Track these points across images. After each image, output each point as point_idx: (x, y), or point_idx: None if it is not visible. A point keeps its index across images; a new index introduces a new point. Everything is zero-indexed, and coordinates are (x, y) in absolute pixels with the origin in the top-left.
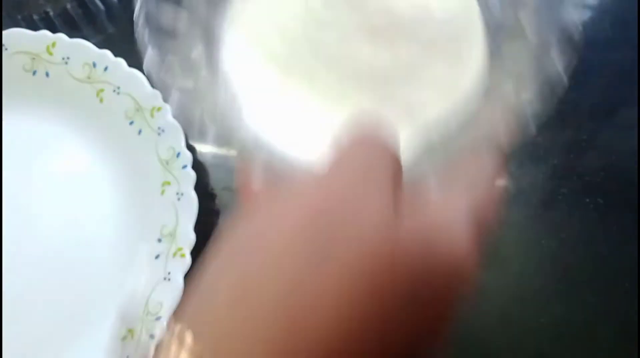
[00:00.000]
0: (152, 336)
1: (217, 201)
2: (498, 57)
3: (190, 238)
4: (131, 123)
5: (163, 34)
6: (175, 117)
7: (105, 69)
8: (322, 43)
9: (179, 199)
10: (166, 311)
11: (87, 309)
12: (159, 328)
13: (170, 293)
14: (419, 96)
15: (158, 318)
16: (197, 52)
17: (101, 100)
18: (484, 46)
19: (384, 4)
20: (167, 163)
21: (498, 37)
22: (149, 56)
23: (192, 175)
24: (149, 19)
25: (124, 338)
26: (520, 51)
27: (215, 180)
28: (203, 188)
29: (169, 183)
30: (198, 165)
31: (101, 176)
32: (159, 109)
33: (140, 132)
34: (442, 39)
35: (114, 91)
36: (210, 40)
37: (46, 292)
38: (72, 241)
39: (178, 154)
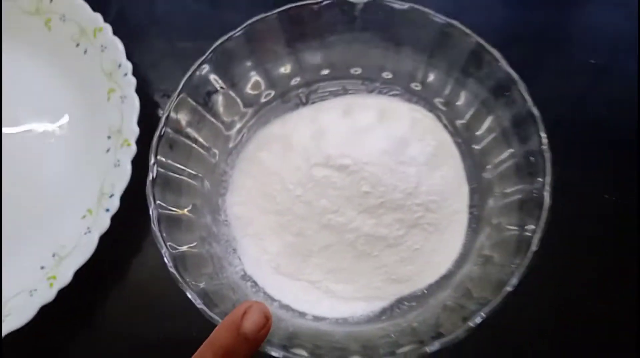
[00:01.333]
0: (107, 210)
1: (159, 105)
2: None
3: (135, 130)
4: (77, 45)
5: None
6: None
7: (51, 0)
8: (318, 207)
9: (122, 101)
10: (117, 190)
11: (55, 195)
12: (112, 204)
13: (120, 175)
14: (402, 268)
15: (111, 196)
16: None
17: (49, 28)
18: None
19: (377, 183)
20: (111, 74)
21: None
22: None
23: (132, 81)
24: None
25: (83, 217)
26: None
27: (157, 89)
28: (144, 95)
29: (113, 90)
30: (140, 77)
31: (55, 92)
32: (100, 29)
33: (85, 51)
34: (428, 216)
35: (60, 19)
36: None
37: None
38: (36, 145)
39: (119, 65)
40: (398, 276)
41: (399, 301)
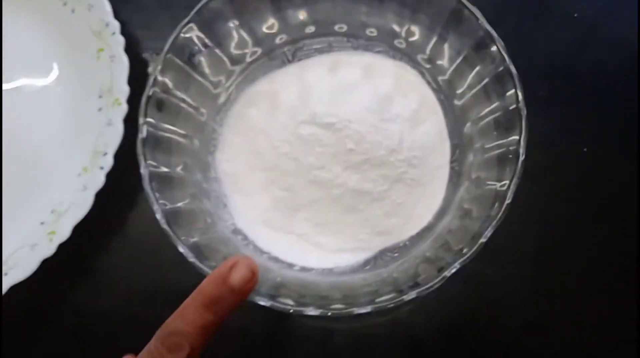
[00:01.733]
0: (101, 168)
1: (148, 63)
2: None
3: (125, 89)
4: (65, 4)
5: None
6: None
7: None
8: (305, 164)
9: (112, 60)
10: (110, 149)
11: (50, 153)
12: (106, 162)
13: (113, 134)
14: (385, 221)
15: (105, 154)
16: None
17: None
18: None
19: (362, 140)
20: (100, 33)
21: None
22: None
23: (121, 40)
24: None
25: (79, 175)
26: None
27: (146, 47)
28: (134, 53)
29: (102, 49)
30: (129, 35)
31: (45, 51)
32: None
33: (73, 11)
34: (410, 172)
35: None
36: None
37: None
38: (29, 104)
39: (107, 24)
40: (382, 229)
41: (382, 253)
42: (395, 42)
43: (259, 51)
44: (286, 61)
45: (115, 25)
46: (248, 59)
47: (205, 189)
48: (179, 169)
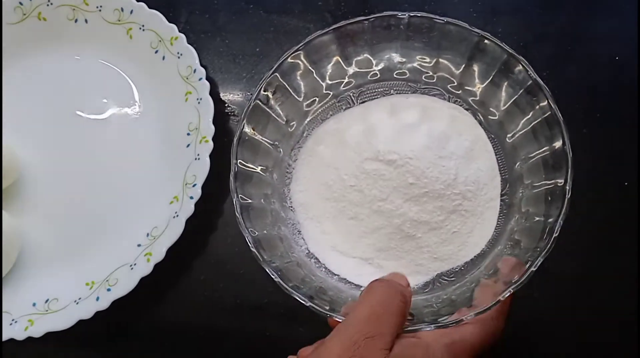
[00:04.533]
0: (191, 197)
1: (226, 103)
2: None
3: (211, 128)
4: (156, 52)
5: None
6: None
7: (131, 12)
8: (369, 196)
9: (199, 102)
10: (199, 181)
11: (145, 184)
12: (195, 192)
13: (200, 168)
14: (442, 248)
15: (194, 185)
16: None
17: (130, 37)
18: (498, 204)
19: (422, 176)
20: (187, 78)
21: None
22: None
23: (207, 84)
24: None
25: (171, 203)
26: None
27: (224, 89)
28: (215, 95)
29: (190, 92)
30: (210, 80)
31: (139, 94)
32: (176, 38)
33: (164, 58)
34: (465, 204)
35: (140, 28)
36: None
37: (116, 180)
38: (126, 139)
39: (195, 71)
40: (439, 255)
41: (439, 277)
42: (450, 86)
43: (330, 94)
44: (351, 102)
45: (202, 71)
46: (319, 102)
47: (282, 218)
48: (261, 200)
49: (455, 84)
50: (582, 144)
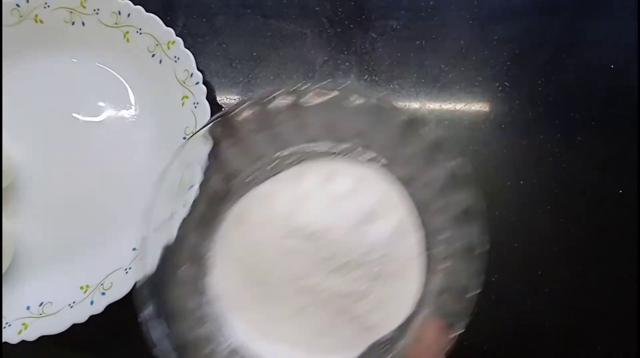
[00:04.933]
0: (184, 205)
1: (223, 107)
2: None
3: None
4: (153, 55)
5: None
6: None
7: (129, 15)
8: (291, 274)
9: (195, 107)
10: (196, 183)
11: (141, 186)
12: (191, 194)
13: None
14: (371, 317)
15: (190, 187)
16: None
17: (128, 40)
18: (420, 261)
19: (340, 246)
20: (184, 82)
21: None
22: None
23: (203, 89)
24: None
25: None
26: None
27: (220, 93)
28: (212, 99)
29: (187, 97)
30: (207, 84)
31: (136, 97)
32: (173, 42)
33: (161, 61)
34: (387, 268)
35: (137, 32)
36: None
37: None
38: (123, 142)
39: (191, 75)
40: (369, 325)
41: (373, 347)
42: (361, 147)
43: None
44: (259, 181)
45: (199, 76)
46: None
47: (200, 316)
48: (177, 302)
49: (366, 144)
50: (577, 152)
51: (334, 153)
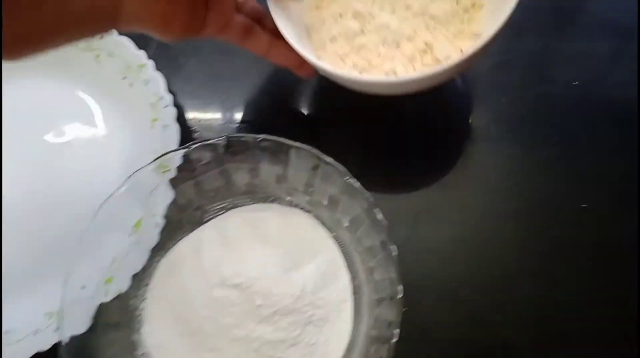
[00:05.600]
0: (155, 225)
1: (195, 129)
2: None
3: (175, 158)
4: (124, 78)
5: None
6: None
7: (101, 37)
8: (223, 324)
9: (164, 130)
10: (160, 210)
11: (110, 215)
12: (158, 220)
13: (162, 195)
14: None
15: (154, 216)
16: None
17: (99, 63)
18: (350, 304)
19: (269, 294)
20: (154, 105)
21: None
22: None
23: (172, 112)
24: None
25: (134, 230)
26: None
27: (193, 114)
28: (183, 121)
29: (156, 119)
30: (180, 105)
31: (106, 120)
32: (143, 65)
33: (131, 85)
34: (317, 313)
35: (109, 55)
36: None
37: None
38: (92, 164)
39: (161, 98)
40: None
41: None
42: (285, 191)
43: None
44: (188, 230)
45: (169, 99)
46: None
47: None
48: None
49: (288, 188)
50: (542, 167)
51: (260, 198)
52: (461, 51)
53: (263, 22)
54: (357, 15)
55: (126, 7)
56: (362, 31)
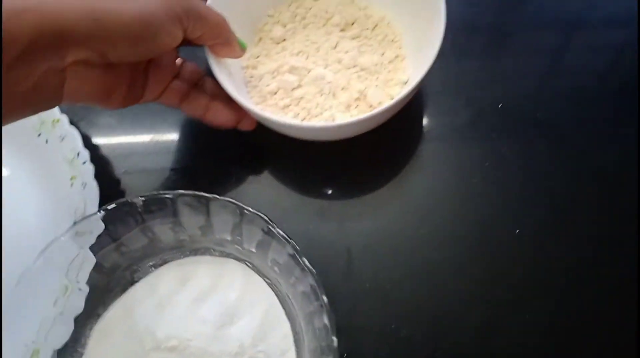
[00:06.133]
0: (80, 289)
1: (119, 181)
2: None
3: (93, 222)
4: (39, 135)
5: None
6: None
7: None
8: None
9: (84, 188)
10: (82, 277)
11: (30, 283)
12: (83, 282)
13: (83, 261)
14: None
15: (77, 282)
16: None
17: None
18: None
19: (206, 354)
20: (72, 162)
21: None
22: None
23: (90, 169)
24: None
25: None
26: None
27: (116, 167)
28: (107, 173)
29: (75, 177)
30: (101, 158)
31: (22, 179)
32: (57, 120)
33: (47, 141)
34: None
35: None
36: None
37: None
38: (8, 237)
39: (78, 154)
40: None
41: None
42: (219, 240)
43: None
44: (119, 291)
45: (85, 155)
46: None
47: None
48: None
49: (216, 239)
50: (474, 192)
51: (189, 252)
52: (391, 97)
53: (201, 85)
54: (293, 70)
55: (70, 84)
56: (300, 85)
